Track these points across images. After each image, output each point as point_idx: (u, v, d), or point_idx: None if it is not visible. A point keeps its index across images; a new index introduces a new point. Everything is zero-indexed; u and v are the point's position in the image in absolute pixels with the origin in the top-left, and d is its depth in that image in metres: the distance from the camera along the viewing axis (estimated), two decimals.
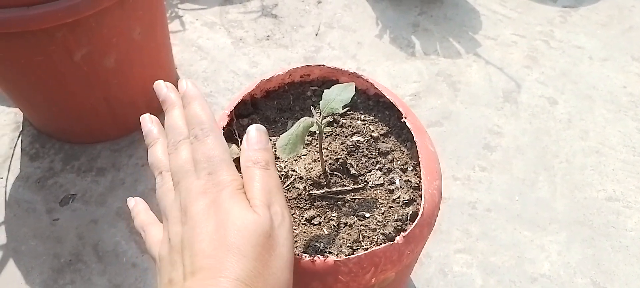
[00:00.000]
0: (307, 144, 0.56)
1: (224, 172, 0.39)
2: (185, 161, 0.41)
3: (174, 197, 0.40)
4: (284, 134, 0.45)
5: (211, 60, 1.14)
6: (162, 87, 0.47)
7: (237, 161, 0.53)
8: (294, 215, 0.50)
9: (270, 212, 0.38)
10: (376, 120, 0.58)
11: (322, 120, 0.47)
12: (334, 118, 0.58)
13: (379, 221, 0.49)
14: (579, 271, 0.84)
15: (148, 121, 0.48)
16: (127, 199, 0.49)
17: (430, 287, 0.81)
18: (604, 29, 1.24)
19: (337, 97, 0.47)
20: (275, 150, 0.54)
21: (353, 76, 0.59)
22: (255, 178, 0.40)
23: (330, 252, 0.47)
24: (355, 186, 0.52)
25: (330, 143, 0.56)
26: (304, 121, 0.45)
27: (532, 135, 1.02)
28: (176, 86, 0.47)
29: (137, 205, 0.47)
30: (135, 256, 0.84)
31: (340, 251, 0.47)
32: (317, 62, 1.13)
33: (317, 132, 0.47)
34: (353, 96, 0.59)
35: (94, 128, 0.96)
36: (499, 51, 1.17)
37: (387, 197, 0.51)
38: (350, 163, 0.54)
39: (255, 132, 0.42)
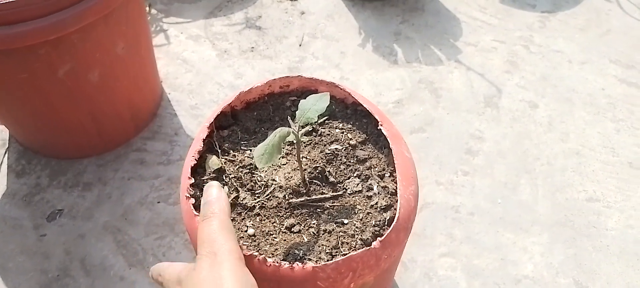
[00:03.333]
0: (287, 154, 0.57)
1: None
2: None
3: None
4: (260, 144, 0.47)
5: (196, 73, 1.15)
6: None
7: (217, 172, 0.55)
8: (274, 224, 0.51)
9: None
10: (354, 128, 0.59)
11: (299, 130, 0.48)
12: (313, 127, 0.59)
13: (357, 227, 0.50)
14: (562, 271, 0.85)
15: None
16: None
17: None
18: (582, 33, 1.27)
19: (312, 107, 0.48)
20: (254, 161, 0.55)
21: (331, 86, 0.61)
22: None
23: (309, 259, 0.48)
24: (334, 193, 0.53)
25: (309, 152, 0.57)
26: (279, 131, 0.46)
27: (513, 139, 1.03)
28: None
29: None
30: (122, 269, 0.84)
31: (320, 257, 0.48)
32: (302, 72, 1.14)
33: (295, 141, 0.49)
34: (331, 105, 0.60)
35: (80, 143, 0.97)
36: (479, 57, 1.19)
37: (365, 204, 0.52)
38: (329, 171, 0.55)
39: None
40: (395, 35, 1.24)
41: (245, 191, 0.54)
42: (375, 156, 0.56)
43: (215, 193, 0.46)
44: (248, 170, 0.55)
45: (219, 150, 0.56)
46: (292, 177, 0.54)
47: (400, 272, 0.84)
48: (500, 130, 1.05)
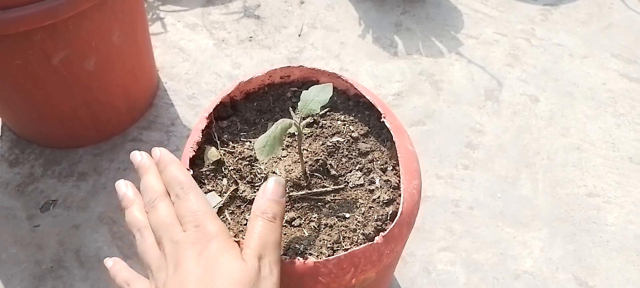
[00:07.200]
0: (288, 146, 0.56)
1: (210, 224, 0.41)
2: (165, 216, 0.42)
3: (159, 251, 0.41)
4: (262, 135, 0.45)
5: (193, 62, 1.13)
6: (136, 156, 0.49)
7: (216, 164, 0.53)
8: None
9: (259, 263, 0.39)
10: (356, 120, 0.58)
11: (300, 122, 0.47)
12: (314, 119, 0.57)
13: (359, 221, 0.49)
14: (561, 267, 0.85)
15: (122, 185, 0.49)
16: (105, 260, 0.49)
17: (415, 286, 0.82)
18: (584, 27, 1.25)
19: (315, 98, 0.47)
20: (253, 153, 0.54)
21: (332, 77, 0.59)
22: (256, 228, 0.41)
23: (310, 254, 0.47)
24: (336, 187, 0.52)
25: (310, 144, 0.56)
26: (281, 122, 0.45)
27: (513, 133, 1.02)
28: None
29: (116, 263, 0.48)
30: None
31: (321, 252, 0.47)
32: (301, 62, 1.13)
33: (296, 133, 0.47)
34: (333, 97, 0.59)
35: (75, 132, 0.95)
36: (480, 50, 1.18)
37: (367, 197, 0.51)
38: (330, 164, 0.54)
39: (273, 184, 0.44)
40: (395, 26, 1.23)
41: (245, 183, 0.52)
42: (378, 149, 0.55)
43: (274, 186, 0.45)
44: (248, 162, 0.54)
45: (218, 142, 0.55)
46: (292, 169, 0.53)
47: (399, 266, 0.83)
48: (500, 123, 1.04)
